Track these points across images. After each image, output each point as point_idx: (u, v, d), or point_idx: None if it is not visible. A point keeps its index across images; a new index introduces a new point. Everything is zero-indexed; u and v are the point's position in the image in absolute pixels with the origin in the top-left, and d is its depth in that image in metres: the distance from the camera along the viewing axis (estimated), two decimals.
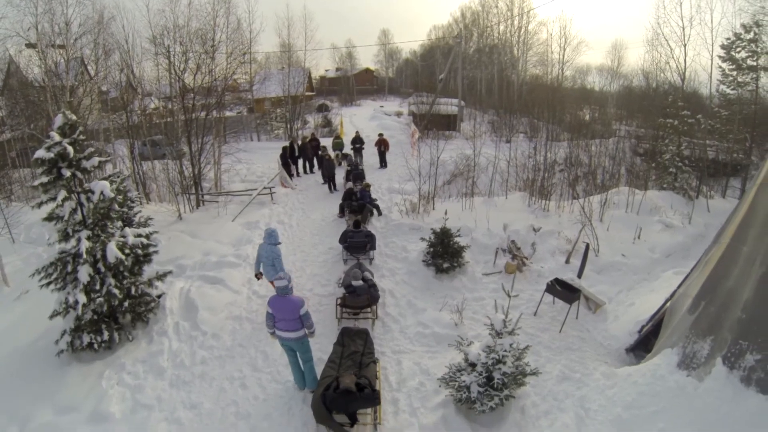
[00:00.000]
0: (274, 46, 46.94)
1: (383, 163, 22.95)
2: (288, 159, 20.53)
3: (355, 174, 18.02)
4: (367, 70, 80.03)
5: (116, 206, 8.74)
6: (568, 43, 43.90)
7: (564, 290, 9.38)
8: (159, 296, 9.68)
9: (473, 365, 6.53)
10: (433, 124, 32.00)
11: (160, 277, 9.48)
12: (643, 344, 8.32)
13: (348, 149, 23.46)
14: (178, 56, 16.30)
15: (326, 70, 76.16)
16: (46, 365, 8.22)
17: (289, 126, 33.08)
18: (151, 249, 9.32)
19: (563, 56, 44.06)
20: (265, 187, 17.08)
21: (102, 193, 8.06)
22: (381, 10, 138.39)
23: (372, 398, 6.23)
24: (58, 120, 8.01)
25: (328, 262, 12.13)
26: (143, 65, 21.63)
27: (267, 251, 9.50)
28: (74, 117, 8.22)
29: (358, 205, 14.67)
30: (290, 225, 14.94)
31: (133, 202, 13.01)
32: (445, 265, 10.92)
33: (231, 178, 20.17)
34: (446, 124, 33.51)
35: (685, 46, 25.39)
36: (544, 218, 14.00)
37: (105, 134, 21.36)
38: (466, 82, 45.99)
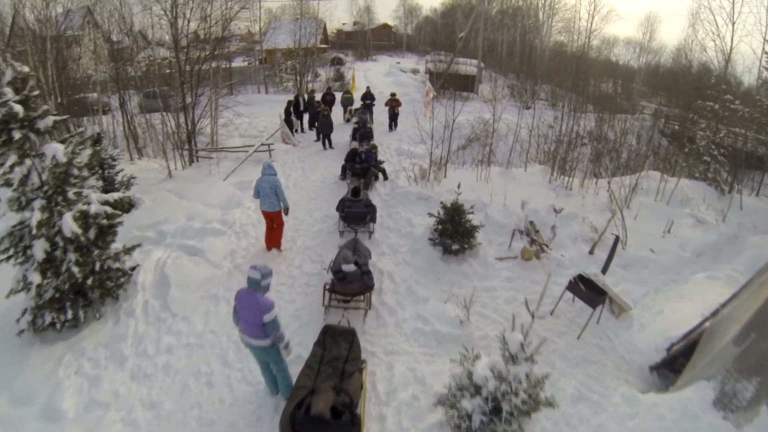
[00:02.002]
0: None
1: (394, 125, 21.19)
2: (292, 114, 19.15)
3: (363, 133, 16.64)
4: (385, 26, 77.22)
5: (75, 171, 7.50)
6: (597, 10, 41.28)
7: (589, 291, 8.11)
8: (133, 268, 8.63)
9: (478, 388, 5.35)
10: (451, 84, 30.28)
11: (128, 250, 8.37)
12: (670, 363, 7.21)
13: (357, 105, 21.91)
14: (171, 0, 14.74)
15: (343, 24, 73.71)
16: (7, 346, 7.34)
17: (298, 79, 31.44)
18: (117, 219, 8.09)
19: (591, 24, 41.49)
20: (263, 144, 15.82)
21: (54, 157, 6.91)
22: None
23: (350, 427, 5.10)
24: (8, 74, 6.80)
25: (323, 233, 10.94)
26: (134, 9, 20.03)
27: (268, 181, 9.41)
28: (26, 69, 6.99)
29: (361, 168, 13.41)
30: (287, 186, 13.55)
31: (114, 160, 11.91)
32: (455, 247, 9.63)
33: (230, 133, 18.91)
34: (464, 85, 31.75)
35: (733, 24, 22.93)
36: (567, 198, 12.67)
37: (102, 85, 19.99)
38: (487, 44, 43.61)
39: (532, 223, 11.05)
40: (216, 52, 16.57)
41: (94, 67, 20.02)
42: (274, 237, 10.10)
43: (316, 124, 18.60)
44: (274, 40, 35.30)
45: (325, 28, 47.58)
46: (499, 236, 10.70)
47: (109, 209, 7.81)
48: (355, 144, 15.58)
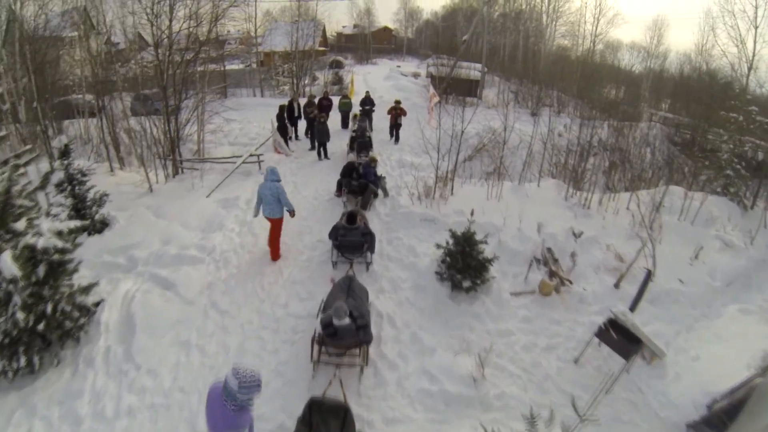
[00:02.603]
0: None
1: (396, 137, 19.35)
2: (285, 120, 17.79)
3: (360, 143, 15.39)
4: (386, 29, 76.13)
5: (17, 201, 6.32)
6: (602, 13, 39.85)
7: (621, 338, 6.95)
8: (97, 303, 7.51)
9: None
10: (454, 89, 29.20)
11: (85, 289, 7.21)
12: (709, 420, 6.20)
13: (356, 110, 20.45)
14: None
15: (343, 27, 72.73)
16: None
17: (295, 82, 30.24)
18: (68, 256, 6.90)
19: (596, 28, 40.13)
20: (252, 154, 14.49)
21: None
22: None
23: None
24: None
25: (313, 263, 9.68)
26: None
27: (270, 188, 9.12)
28: None
29: (359, 184, 12.15)
30: None
31: (85, 175, 10.77)
32: (466, 284, 8.32)
33: (219, 140, 17.65)
34: (467, 90, 30.52)
35: (756, 28, 21.57)
36: (586, 218, 11.51)
37: (89, 87, 18.61)
38: (488, 48, 42.27)
39: (549, 250, 9.93)
40: (203, 54, 15.32)
41: (80, 70, 18.79)
42: (272, 246, 9.73)
43: (311, 132, 17.48)
44: (270, 42, 34.08)
45: (324, 31, 46.37)
46: (513, 266, 9.52)
47: (59, 243, 6.62)
48: (353, 156, 14.38)
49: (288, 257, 9.84)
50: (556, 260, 9.63)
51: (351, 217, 9.48)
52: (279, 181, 9.36)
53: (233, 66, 32.97)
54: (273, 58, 35.64)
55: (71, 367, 6.78)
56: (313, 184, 13.75)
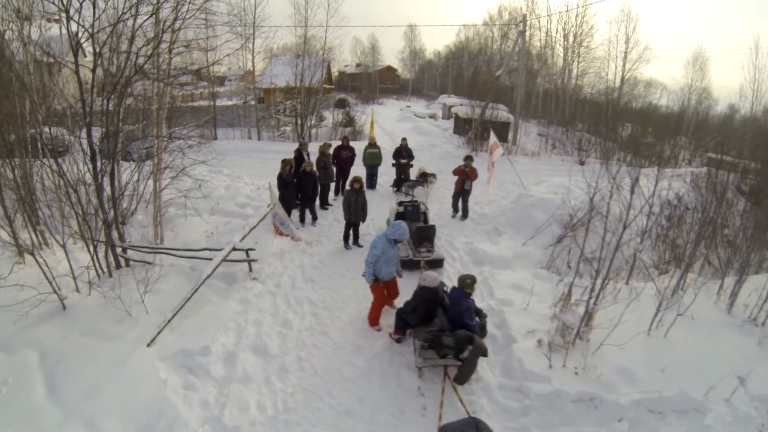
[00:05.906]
0: (287, 19, 38.15)
1: (464, 210, 12.74)
2: (292, 181, 11.30)
3: (421, 230, 9.40)
4: (389, 68, 74.76)
5: None
6: (632, 47, 35.06)
7: None
8: None
9: None
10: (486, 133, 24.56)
11: None
12: None
13: (383, 163, 15.06)
14: None
15: (346, 66, 69.60)
16: None
17: (299, 122, 24.89)
18: None
19: (624, 65, 35.43)
20: (236, 249, 8.32)
21: None
22: (408, 9, 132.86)
23: None
24: None
25: None
26: None
27: (385, 247, 7.16)
28: None
29: (457, 341, 5.93)
30: (278, 371, 6.46)
31: None
32: None
33: (197, 206, 11.19)
34: (499, 134, 25.50)
35: None
36: None
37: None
38: (506, 87, 37.30)
39: None
40: (152, 67, 9.13)
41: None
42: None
43: (302, 195, 11.74)
44: (269, 73, 29.04)
45: (329, 68, 41.72)
46: None
47: None
48: (432, 276, 6.87)
49: None
50: None
51: None
52: (398, 242, 7.43)
53: (225, 102, 28.01)
54: (274, 94, 30.52)
55: None
56: (346, 308, 7.90)
